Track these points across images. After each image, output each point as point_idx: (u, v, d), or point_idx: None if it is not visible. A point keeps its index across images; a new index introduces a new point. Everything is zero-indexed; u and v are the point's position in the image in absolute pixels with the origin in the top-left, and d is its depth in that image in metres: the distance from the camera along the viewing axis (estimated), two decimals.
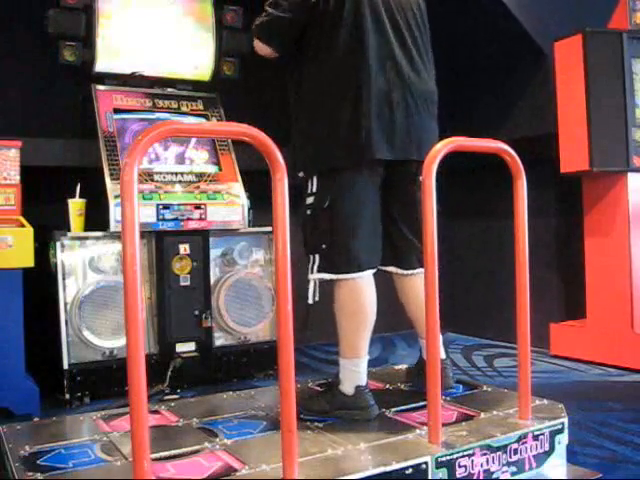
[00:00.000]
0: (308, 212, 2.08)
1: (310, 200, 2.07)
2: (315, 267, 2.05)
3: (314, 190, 2.06)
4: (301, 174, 2.12)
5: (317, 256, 2.05)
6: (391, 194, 2.16)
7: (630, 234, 3.29)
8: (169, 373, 2.94)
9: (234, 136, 1.63)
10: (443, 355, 2.14)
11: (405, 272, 2.23)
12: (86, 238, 2.89)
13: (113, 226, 2.86)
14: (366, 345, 2.06)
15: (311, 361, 3.65)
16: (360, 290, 2.05)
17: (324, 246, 2.03)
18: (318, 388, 2.34)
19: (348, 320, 2.04)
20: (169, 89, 3.38)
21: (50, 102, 3.33)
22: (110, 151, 3.00)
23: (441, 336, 1.86)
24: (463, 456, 1.73)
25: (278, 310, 1.49)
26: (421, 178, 1.78)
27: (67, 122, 3.30)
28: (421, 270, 2.02)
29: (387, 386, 2.41)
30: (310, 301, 2.06)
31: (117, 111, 3.16)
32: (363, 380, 2.04)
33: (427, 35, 2.23)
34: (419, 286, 2.10)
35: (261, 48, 2.17)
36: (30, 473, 1.63)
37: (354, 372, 2.03)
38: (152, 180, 3.03)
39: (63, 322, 2.78)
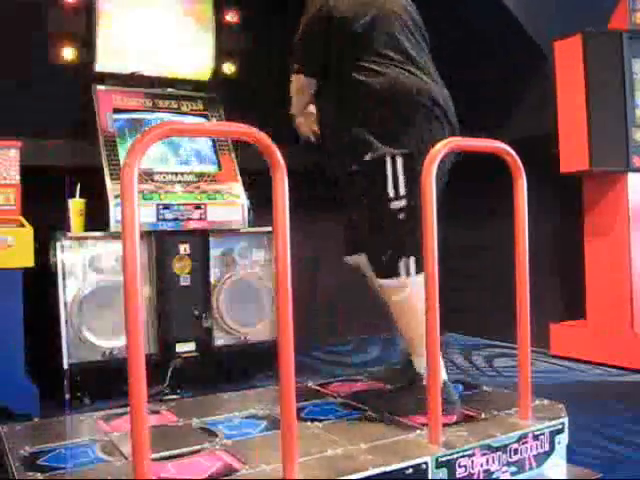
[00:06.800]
0: (400, 216, 2.06)
1: (402, 203, 2.05)
2: (413, 269, 2.05)
3: (402, 193, 2.05)
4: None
5: (412, 258, 2.05)
6: None
7: (630, 234, 3.29)
8: (169, 373, 2.94)
9: (234, 136, 1.64)
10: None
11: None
12: (86, 238, 2.89)
13: (113, 226, 2.86)
14: None
15: (311, 361, 3.65)
16: None
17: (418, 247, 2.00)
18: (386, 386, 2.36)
19: (419, 317, 1.92)
20: (169, 89, 3.37)
21: (50, 102, 3.32)
22: (110, 151, 3.00)
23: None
24: (463, 456, 1.73)
25: (278, 310, 1.48)
26: None
27: (67, 122, 3.30)
28: None
29: (387, 386, 2.41)
30: None
31: (117, 111, 3.16)
32: (445, 374, 2.03)
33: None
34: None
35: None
36: (30, 473, 1.63)
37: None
38: (152, 180, 3.03)
39: (63, 322, 2.78)
